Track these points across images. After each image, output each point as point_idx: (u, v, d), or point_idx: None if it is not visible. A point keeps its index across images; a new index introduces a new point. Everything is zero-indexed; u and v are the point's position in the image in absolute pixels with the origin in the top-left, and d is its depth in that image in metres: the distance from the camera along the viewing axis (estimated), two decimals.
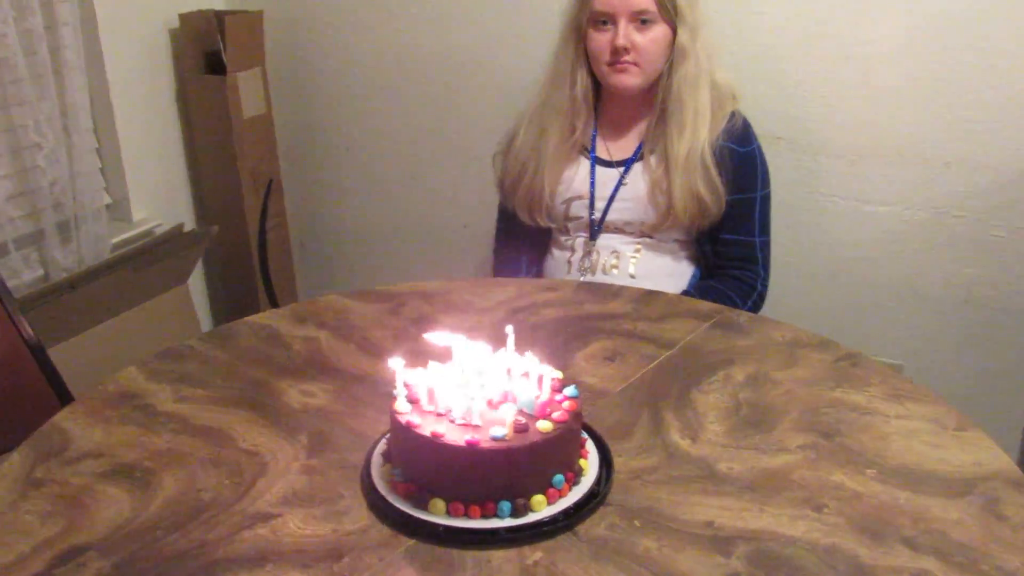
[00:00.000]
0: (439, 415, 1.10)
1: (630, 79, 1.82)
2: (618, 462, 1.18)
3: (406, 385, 1.14)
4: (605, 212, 1.89)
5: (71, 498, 1.14)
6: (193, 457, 1.22)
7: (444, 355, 1.17)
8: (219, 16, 2.44)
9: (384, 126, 2.61)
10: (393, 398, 1.13)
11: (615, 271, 1.89)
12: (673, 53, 1.82)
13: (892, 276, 2.15)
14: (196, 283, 2.72)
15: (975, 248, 2.06)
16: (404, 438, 1.09)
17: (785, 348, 1.48)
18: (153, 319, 2.41)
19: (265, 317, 1.62)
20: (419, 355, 1.18)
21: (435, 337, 1.17)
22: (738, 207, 1.85)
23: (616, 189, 1.88)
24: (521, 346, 1.18)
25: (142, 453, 1.23)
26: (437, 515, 1.07)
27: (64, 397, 1.70)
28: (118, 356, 2.18)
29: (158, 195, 2.57)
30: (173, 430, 1.28)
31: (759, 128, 1.91)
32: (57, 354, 2.11)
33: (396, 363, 1.13)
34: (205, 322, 2.76)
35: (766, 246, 1.90)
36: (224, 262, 2.73)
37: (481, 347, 1.15)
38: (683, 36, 1.80)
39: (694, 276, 1.93)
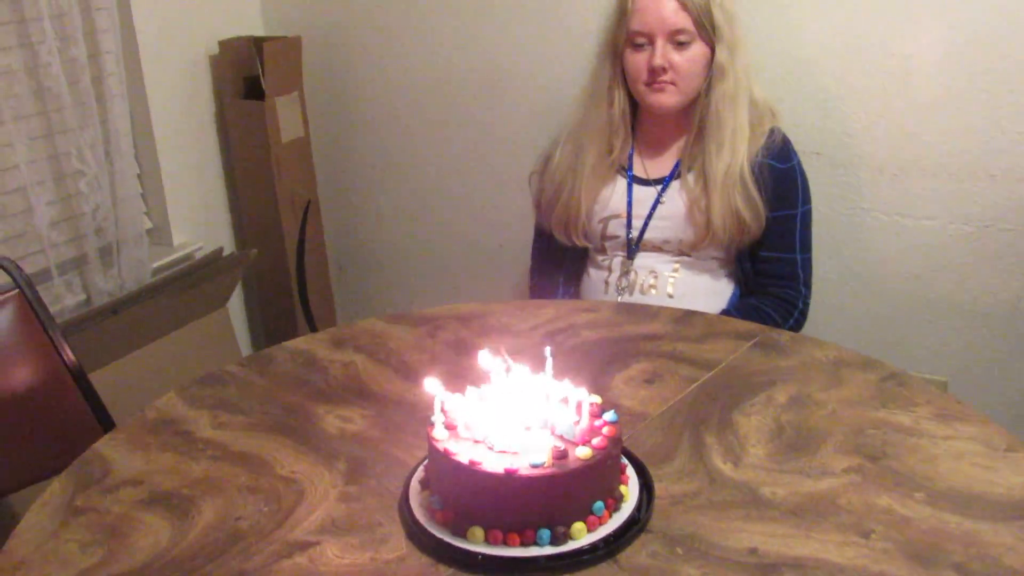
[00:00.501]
0: (477, 442, 1.09)
1: (668, 99, 1.81)
2: (659, 487, 1.17)
3: (443, 411, 1.13)
4: (643, 231, 1.87)
5: (111, 527, 1.15)
6: (231, 484, 1.22)
7: (482, 380, 1.16)
8: (257, 42, 2.47)
9: (421, 148, 2.62)
10: (431, 425, 1.12)
11: (653, 291, 1.88)
12: (711, 71, 1.80)
13: (936, 291, 2.11)
14: (235, 306, 2.74)
15: (1021, 261, 2.01)
16: (442, 465, 1.09)
17: (828, 368, 1.45)
18: (193, 343, 2.43)
19: (303, 342, 1.62)
20: (457, 379, 1.17)
21: (484, 358, 1.16)
22: (778, 224, 1.83)
23: (654, 207, 1.86)
24: (560, 369, 1.17)
25: (181, 480, 1.23)
26: (476, 543, 1.06)
27: (105, 422, 1.71)
28: (159, 380, 2.20)
29: (198, 219, 2.60)
30: (212, 457, 1.29)
31: (798, 144, 1.89)
32: (99, 378, 2.13)
33: (432, 384, 1.12)
34: (244, 345, 2.78)
35: (807, 263, 1.87)
36: (263, 285, 2.75)
37: (523, 370, 1.14)
38: (721, 54, 1.79)
39: (734, 295, 1.90)
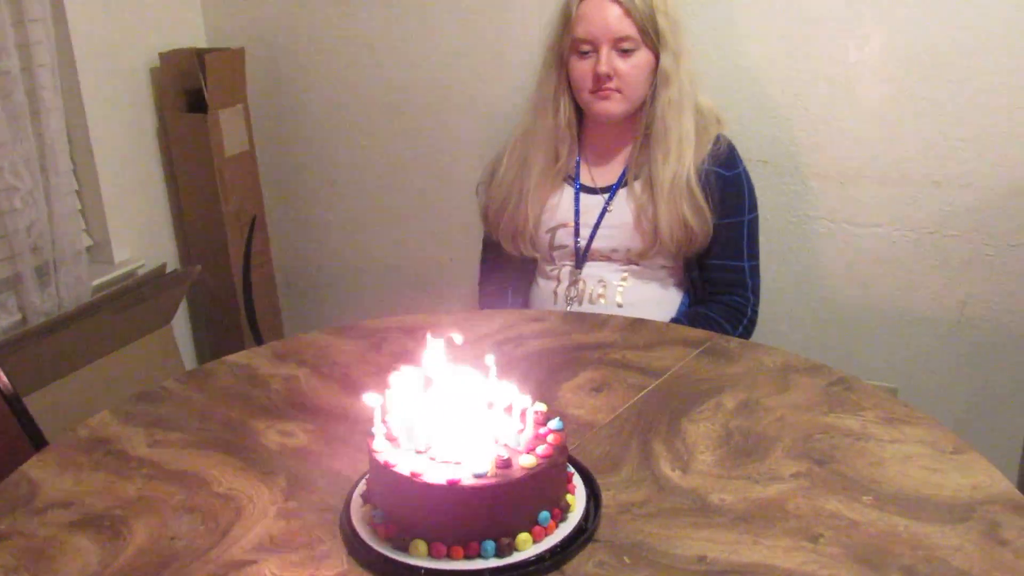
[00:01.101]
0: (418, 453, 1.06)
1: (613, 106, 1.80)
2: (606, 496, 1.15)
3: (384, 423, 1.10)
4: (591, 240, 1.86)
5: (37, 551, 1.10)
6: (166, 504, 1.18)
7: (424, 389, 1.13)
8: (200, 54, 2.42)
9: (368, 161, 2.59)
10: (371, 436, 1.09)
11: (602, 300, 1.86)
12: (656, 79, 1.79)
13: (884, 298, 2.12)
14: (180, 324, 2.68)
15: (966, 267, 2.03)
16: (382, 478, 1.06)
17: (776, 374, 1.45)
18: (136, 362, 2.37)
19: (244, 356, 1.58)
20: (401, 390, 1.14)
21: (424, 364, 1.13)
22: (725, 231, 1.82)
23: (601, 216, 1.85)
24: (505, 378, 1.14)
25: (113, 501, 1.19)
26: (419, 557, 1.03)
27: (42, 446, 1.65)
28: (100, 401, 2.13)
29: (140, 235, 2.54)
30: (146, 476, 1.24)
31: (745, 152, 1.89)
32: (37, 401, 2.07)
33: (372, 399, 1.09)
34: (190, 364, 2.72)
35: (755, 271, 1.87)
36: (208, 302, 2.69)
37: (468, 372, 1.11)
38: (666, 61, 1.78)
39: (682, 303, 1.89)
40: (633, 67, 1.77)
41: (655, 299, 1.87)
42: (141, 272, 2.48)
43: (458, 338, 1.14)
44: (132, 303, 2.32)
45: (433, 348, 1.13)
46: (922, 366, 2.13)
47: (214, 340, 2.74)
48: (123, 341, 2.34)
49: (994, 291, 2.02)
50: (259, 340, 2.69)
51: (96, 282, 2.36)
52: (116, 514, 1.16)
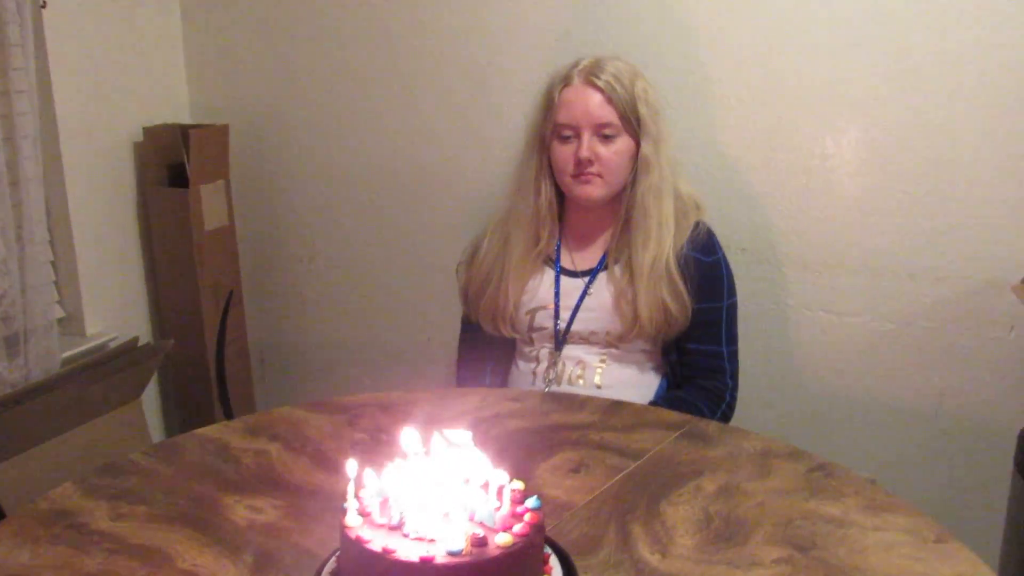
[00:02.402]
0: (392, 528, 1.03)
1: (594, 190, 1.81)
2: None
3: (358, 497, 1.07)
4: (570, 322, 1.85)
5: None
6: None
7: (399, 463, 1.11)
8: (183, 129, 2.44)
9: (347, 238, 2.59)
10: (343, 511, 1.06)
11: (581, 382, 1.85)
12: (637, 164, 1.82)
13: (861, 387, 2.12)
14: (150, 399, 2.63)
15: (943, 359, 2.03)
16: (354, 554, 1.02)
17: (756, 458, 1.43)
18: (104, 435, 2.31)
19: (215, 430, 1.55)
20: (375, 466, 1.11)
21: (407, 435, 1.10)
22: (704, 316, 1.82)
23: (581, 299, 1.85)
24: (481, 456, 1.12)
25: None
26: None
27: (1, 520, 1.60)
28: (65, 475, 2.06)
29: (114, 308, 2.51)
30: (107, 550, 1.20)
31: (724, 239, 1.91)
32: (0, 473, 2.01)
33: (351, 467, 1.06)
34: (158, 438, 2.66)
35: (734, 356, 1.87)
36: (180, 377, 2.65)
37: (457, 436, 1.09)
38: (647, 148, 1.81)
39: (661, 387, 1.88)
40: (614, 153, 1.79)
41: (634, 382, 1.86)
42: (113, 345, 2.44)
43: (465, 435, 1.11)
44: (102, 376, 2.28)
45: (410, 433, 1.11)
46: (900, 456, 2.11)
47: (184, 415, 2.69)
48: (91, 414, 2.29)
49: (971, 383, 2.02)
50: (230, 416, 2.64)
51: (67, 354, 2.32)
52: None
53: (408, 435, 1.10)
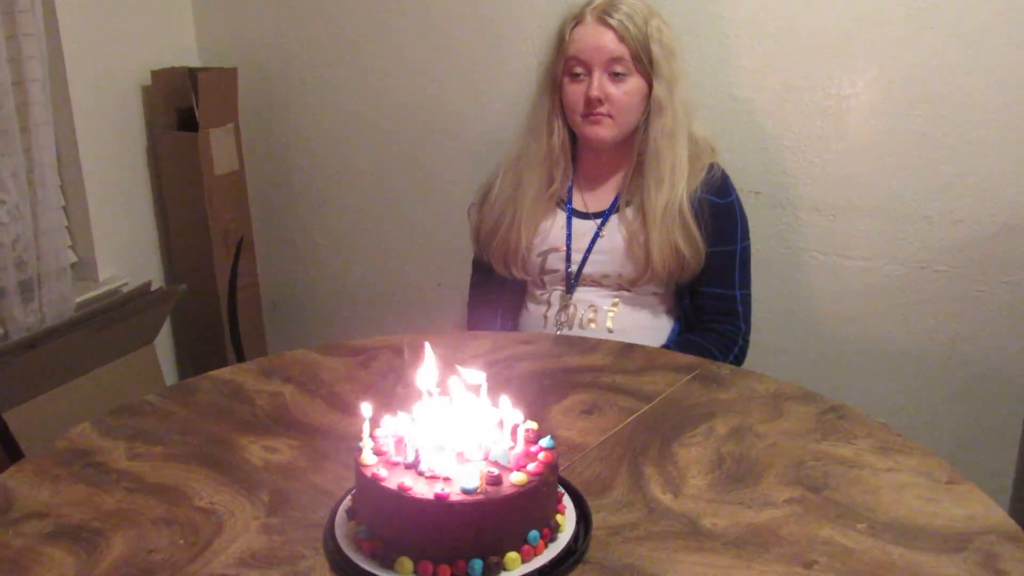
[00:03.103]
0: (407, 467, 1.04)
1: (604, 131, 1.79)
2: (596, 518, 1.12)
3: (373, 437, 1.08)
4: (582, 265, 1.85)
5: (11, 562, 1.06)
6: (145, 517, 1.15)
7: (413, 405, 1.11)
8: (192, 73, 2.42)
9: (357, 183, 2.58)
10: (358, 450, 1.06)
11: (592, 325, 1.85)
12: (649, 106, 1.79)
13: (874, 332, 2.11)
14: (163, 343, 2.65)
15: (957, 303, 2.03)
16: (369, 492, 1.03)
17: (768, 400, 1.43)
18: (117, 379, 2.33)
19: (229, 372, 1.56)
20: (391, 409, 1.12)
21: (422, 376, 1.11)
22: (717, 259, 1.82)
23: (593, 241, 1.84)
24: (495, 395, 1.12)
25: (91, 513, 1.16)
26: (404, 575, 1.00)
27: (18, 460, 1.62)
28: (81, 418, 2.09)
29: (126, 253, 2.51)
30: (125, 488, 1.21)
31: (737, 183, 1.89)
32: (16, 416, 2.03)
33: (366, 410, 1.07)
34: (171, 383, 2.68)
35: (747, 299, 1.86)
36: (193, 321, 2.66)
37: (472, 376, 1.09)
38: (659, 90, 1.78)
39: (673, 331, 1.88)
40: (625, 93, 1.77)
41: (646, 325, 1.85)
42: (125, 290, 2.45)
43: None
44: (115, 320, 2.29)
45: (427, 360, 1.11)
46: (912, 401, 2.12)
47: (197, 360, 2.70)
48: (105, 358, 2.31)
49: (984, 327, 2.02)
50: (242, 360, 2.65)
51: (80, 299, 2.34)
52: (93, 526, 1.13)
53: (423, 375, 1.10)
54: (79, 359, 2.24)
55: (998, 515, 1.13)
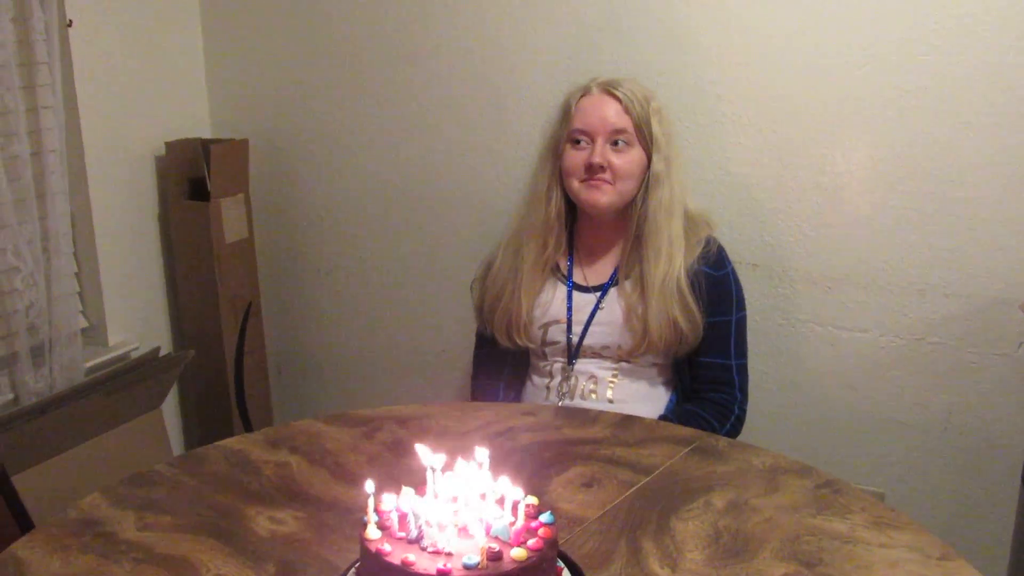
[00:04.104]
0: (410, 542, 1.06)
1: (602, 196, 1.84)
2: None
3: (378, 511, 1.11)
4: (582, 336, 1.89)
5: None
6: None
7: (418, 481, 1.14)
8: (204, 144, 2.49)
9: (364, 252, 2.63)
10: (363, 524, 1.09)
11: (593, 396, 1.88)
12: (648, 179, 1.85)
13: (870, 402, 2.14)
14: (169, 408, 2.68)
15: (952, 374, 2.06)
16: (373, 566, 1.06)
17: (765, 474, 1.46)
18: (125, 445, 2.36)
19: (236, 442, 1.59)
20: (394, 481, 1.15)
21: (422, 451, 1.14)
22: (714, 330, 1.86)
23: (593, 313, 1.89)
24: (497, 471, 1.16)
25: None
26: None
27: (26, 526, 1.65)
28: (87, 483, 2.11)
29: (136, 319, 2.56)
30: (135, 559, 1.24)
31: (734, 255, 1.94)
32: (24, 480, 2.06)
33: (369, 487, 1.10)
34: (177, 449, 2.71)
35: (743, 369, 1.90)
36: (199, 387, 2.69)
37: (470, 465, 1.13)
38: (658, 164, 1.85)
39: (671, 400, 1.91)
40: (626, 162, 1.83)
41: (645, 396, 1.89)
42: (135, 354, 2.49)
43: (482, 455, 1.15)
44: (124, 386, 2.32)
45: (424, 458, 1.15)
46: (909, 470, 2.14)
47: (203, 425, 2.73)
48: (113, 423, 2.33)
49: (978, 398, 2.04)
50: (248, 427, 2.68)
51: (90, 363, 2.37)
52: None
53: (425, 451, 1.14)
54: (87, 424, 2.27)
55: None
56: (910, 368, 2.09)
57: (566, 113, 1.88)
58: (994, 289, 1.98)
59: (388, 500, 1.11)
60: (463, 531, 1.08)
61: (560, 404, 1.88)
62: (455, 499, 1.11)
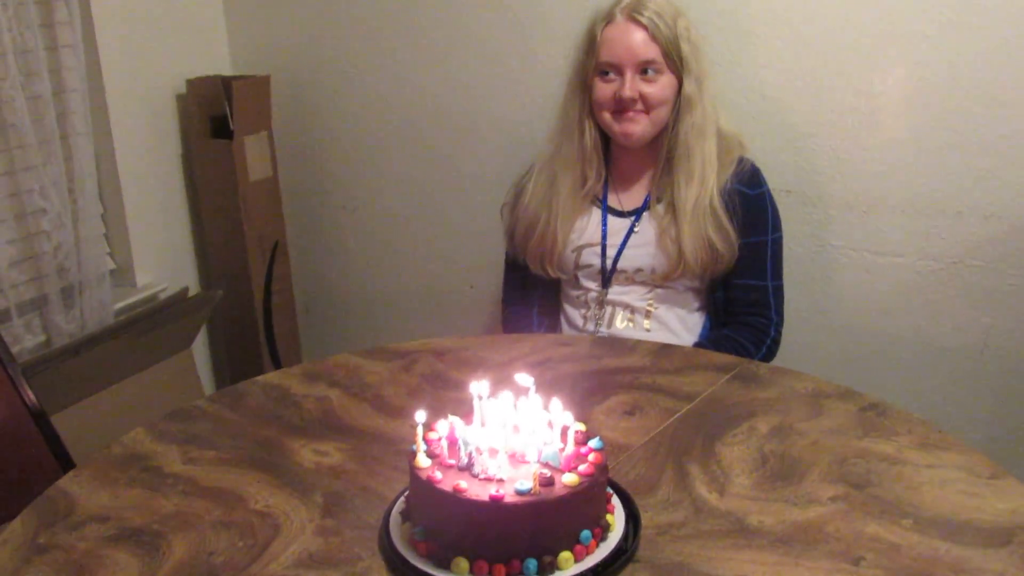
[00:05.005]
0: (461, 469, 1.06)
1: (637, 128, 1.81)
2: (645, 517, 1.14)
3: (426, 440, 1.11)
4: (616, 259, 1.86)
5: (77, 564, 1.10)
6: (203, 520, 1.18)
7: (465, 410, 1.14)
8: (226, 81, 2.45)
9: (389, 187, 2.61)
10: (413, 453, 1.09)
11: (630, 325, 1.86)
12: (679, 102, 1.81)
13: (907, 327, 2.12)
14: (200, 348, 2.69)
15: (990, 297, 2.03)
16: (425, 494, 1.06)
17: (808, 399, 1.45)
18: (156, 385, 2.38)
19: (275, 377, 1.59)
20: (437, 412, 1.15)
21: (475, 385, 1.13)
22: (749, 251, 1.83)
23: (627, 236, 1.86)
24: (545, 398, 1.15)
25: (150, 516, 1.19)
26: (460, 575, 1.02)
27: (67, 465, 1.65)
28: (121, 422, 2.13)
29: (163, 260, 2.55)
30: (182, 492, 1.24)
31: (769, 181, 1.90)
32: (59, 421, 2.07)
33: (420, 416, 1.09)
34: (208, 388, 2.72)
35: (779, 291, 1.88)
36: (229, 326, 2.70)
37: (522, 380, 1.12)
38: (689, 86, 1.80)
39: (705, 327, 1.90)
40: (657, 90, 1.79)
41: (681, 322, 1.87)
42: (163, 296, 2.49)
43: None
44: (154, 327, 2.33)
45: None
46: (946, 395, 2.12)
47: (233, 365, 2.74)
48: (144, 364, 2.35)
49: (1017, 321, 2.02)
50: (278, 365, 2.69)
51: (118, 305, 2.38)
52: (154, 529, 1.16)
53: (476, 382, 1.13)
54: (119, 364, 2.28)
55: None
56: (947, 292, 2.06)
57: (591, 43, 1.82)
58: None
59: (440, 427, 1.11)
60: (513, 457, 1.08)
61: (596, 334, 1.87)
62: (511, 426, 1.10)
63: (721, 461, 1.28)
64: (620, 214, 1.89)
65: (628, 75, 1.78)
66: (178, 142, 2.57)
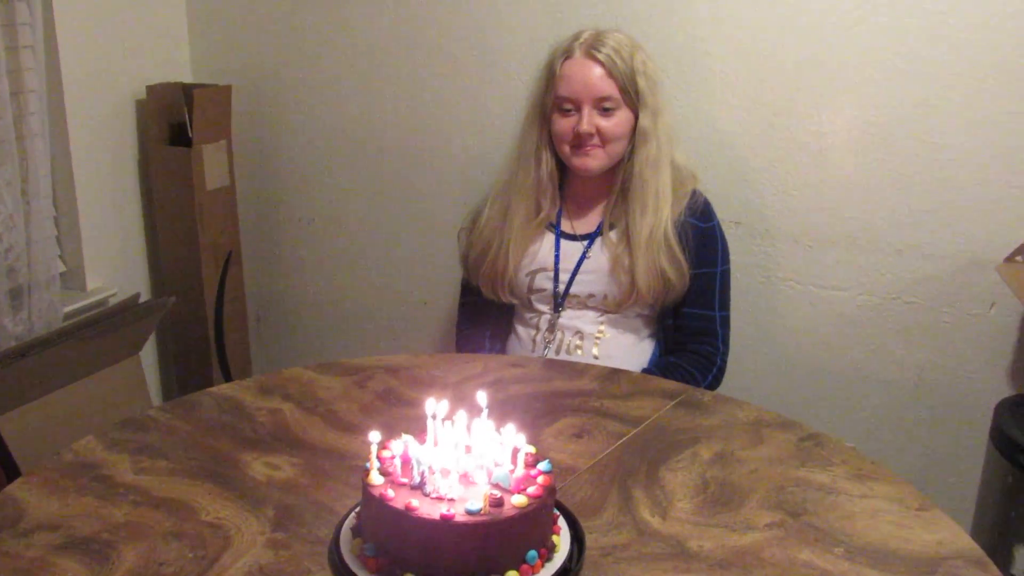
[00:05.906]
0: (413, 488, 1.09)
1: (593, 162, 1.86)
2: (589, 539, 1.18)
3: (379, 458, 1.13)
4: (569, 284, 1.90)
5: (25, 571, 1.10)
6: (154, 530, 1.19)
7: (418, 429, 1.16)
8: (187, 89, 2.45)
9: (346, 201, 2.62)
10: (366, 470, 1.11)
11: (579, 351, 1.90)
12: (635, 136, 1.86)
13: (846, 359, 2.19)
14: (149, 355, 2.67)
15: (925, 333, 2.11)
16: (376, 511, 1.08)
17: (750, 427, 1.49)
18: (103, 390, 2.35)
19: (228, 388, 1.60)
20: (388, 429, 1.17)
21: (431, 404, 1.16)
22: (699, 282, 1.89)
23: (580, 262, 1.90)
24: (496, 420, 1.18)
25: (100, 525, 1.19)
26: None
27: (9, 468, 1.65)
28: (66, 427, 2.12)
29: (115, 265, 2.54)
30: (133, 502, 1.25)
31: (719, 212, 1.96)
32: (3, 424, 2.05)
33: (374, 436, 1.12)
34: (155, 395, 2.71)
35: (726, 321, 1.93)
36: (179, 334, 2.69)
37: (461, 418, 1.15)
38: (645, 120, 1.85)
39: (654, 353, 1.95)
40: (614, 125, 1.84)
41: (630, 349, 1.92)
42: (113, 301, 2.47)
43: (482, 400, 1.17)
44: (104, 331, 2.31)
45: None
46: (880, 426, 2.19)
47: (181, 372, 2.73)
48: (91, 369, 2.32)
49: (950, 358, 2.10)
50: (227, 374, 2.69)
51: (68, 308, 2.36)
52: (104, 538, 1.16)
53: (431, 402, 1.15)
54: (67, 369, 2.26)
55: (965, 541, 1.20)
56: (886, 327, 2.13)
57: (550, 77, 1.87)
58: (970, 251, 2.02)
59: (394, 446, 1.13)
60: (464, 478, 1.10)
61: (546, 357, 1.91)
62: (463, 446, 1.13)
63: (664, 486, 1.32)
64: (573, 238, 1.93)
65: (585, 110, 1.83)
66: (136, 147, 2.56)
